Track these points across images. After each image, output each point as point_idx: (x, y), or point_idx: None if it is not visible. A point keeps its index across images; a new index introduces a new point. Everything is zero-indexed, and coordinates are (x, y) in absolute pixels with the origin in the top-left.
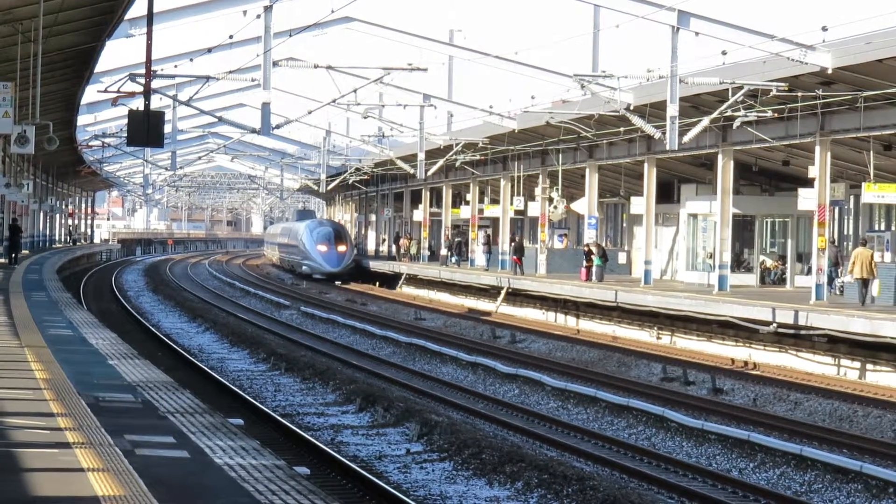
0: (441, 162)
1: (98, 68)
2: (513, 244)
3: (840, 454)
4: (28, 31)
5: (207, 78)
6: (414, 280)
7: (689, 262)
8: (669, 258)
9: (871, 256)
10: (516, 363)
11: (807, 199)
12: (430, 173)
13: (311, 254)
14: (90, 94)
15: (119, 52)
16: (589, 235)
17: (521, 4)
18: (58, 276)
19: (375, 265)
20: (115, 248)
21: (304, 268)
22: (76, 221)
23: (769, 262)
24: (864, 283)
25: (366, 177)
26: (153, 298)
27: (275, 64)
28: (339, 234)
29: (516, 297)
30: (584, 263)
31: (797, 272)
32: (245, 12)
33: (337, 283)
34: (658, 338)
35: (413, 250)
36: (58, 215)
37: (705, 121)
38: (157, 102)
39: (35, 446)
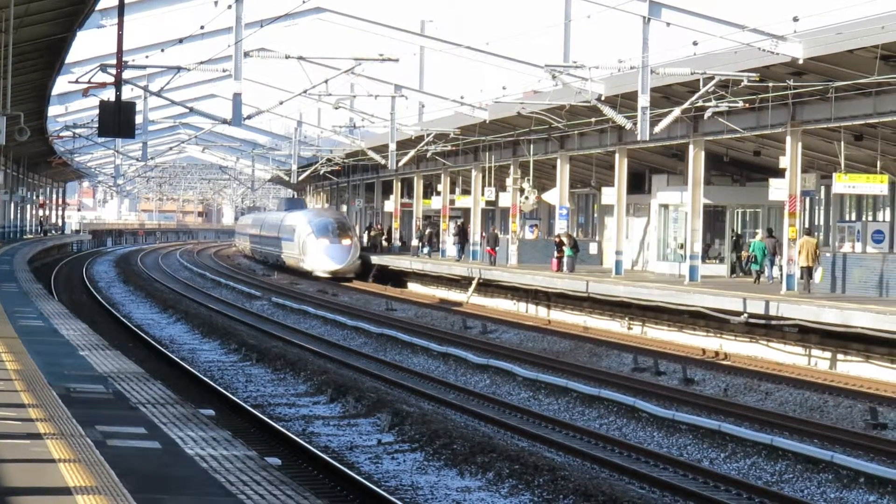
0: (412, 152)
1: (69, 59)
2: (485, 235)
3: (811, 444)
4: None
5: (178, 68)
6: (385, 272)
7: (660, 253)
8: (640, 249)
9: (816, 245)
10: (487, 353)
11: (778, 190)
12: (401, 164)
13: (310, 249)
14: (61, 84)
15: (90, 43)
16: (560, 226)
17: None
18: (29, 267)
19: None
20: (86, 238)
21: (302, 265)
22: (47, 212)
23: (741, 252)
24: (808, 271)
25: (337, 167)
26: (124, 289)
27: (246, 55)
28: (342, 225)
29: (487, 287)
30: (556, 254)
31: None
32: (216, 2)
33: (344, 282)
34: (629, 328)
35: (384, 241)
36: (28, 206)
37: (676, 111)
38: (128, 93)
39: (6, 437)
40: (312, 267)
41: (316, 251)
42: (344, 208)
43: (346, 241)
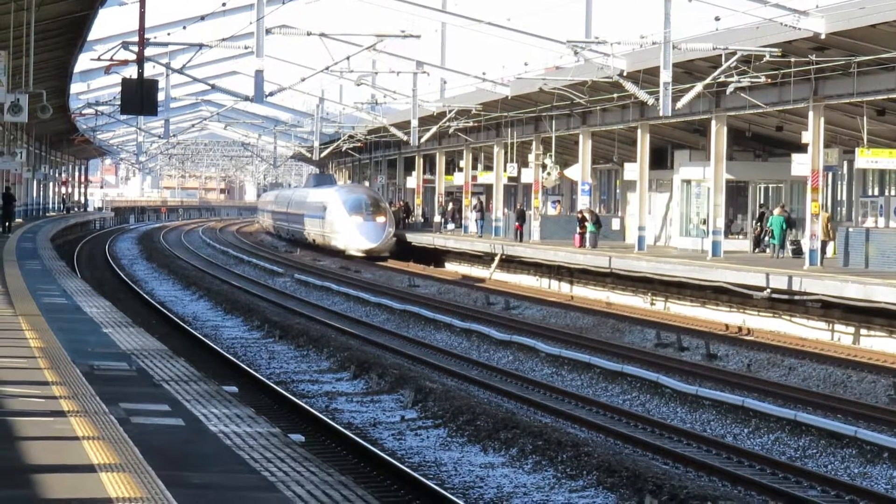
0: (434, 129)
1: (91, 36)
2: (507, 212)
3: (834, 419)
4: (21, 0)
5: (200, 46)
6: (407, 248)
7: (682, 228)
8: (663, 224)
9: (828, 220)
10: (510, 330)
11: (800, 165)
12: (423, 140)
13: (342, 227)
14: (83, 62)
15: (112, 20)
16: (582, 202)
17: None
18: (51, 245)
19: None
20: (109, 216)
21: (334, 243)
22: (69, 190)
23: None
24: (822, 245)
25: (359, 144)
26: (147, 266)
27: (268, 31)
28: (375, 202)
29: (510, 263)
30: (578, 230)
31: (791, 237)
32: None
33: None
34: (652, 304)
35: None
36: (51, 184)
37: (698, 87)
38: (150, 70)
39: (30, 415)
40: (345, 245)
41: (349, 229)
42: (366, 184)
43: (381, 219)
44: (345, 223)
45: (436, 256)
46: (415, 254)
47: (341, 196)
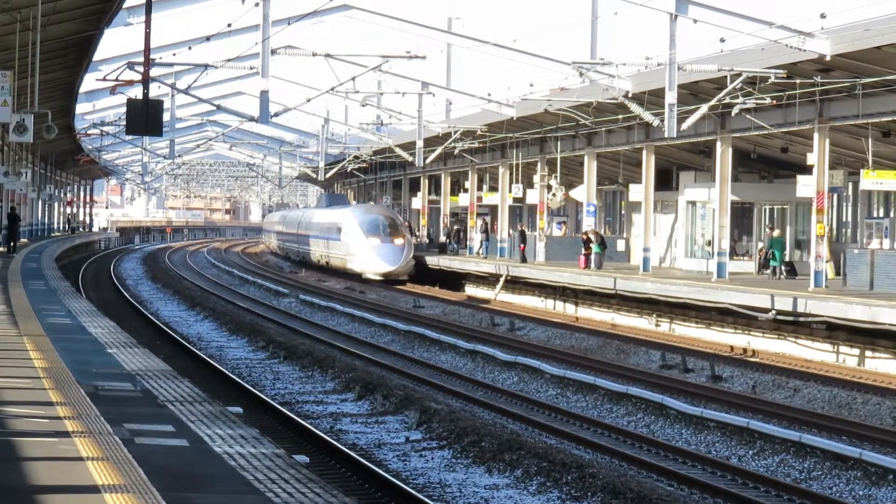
0: (439, 150)
1: (96, 57)
2: (511, 233)
3: (839, 441)
4: (26, 20)
5: (206, 66)
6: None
7: (687, 250)
8: (668, 245)
9: (828, 241)
10: (515, 351)
11: (805, 186)
12: (428, 161)
13: (359, 249)
14: (89, 82)
15: (117, 41)
16: (588, 223)
17: None
18: (56, 265)
19: None
20: (114, 236)
21: (350, 265)
22: (74, 210)
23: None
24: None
25: (364, 164)
26: (152, 287)
27: (273, 52)
28: (393, 222)
29: (515, 284)
30: (583, 251)
31: (796, 259)
32: (243, 0)
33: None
34: (657, 325)
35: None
36: (56, 204)
37: (704, 108)
38: (155, 91)
39: (34, 435)
40: (362, 268)
41: (366, 251)
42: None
43: (399, 241)
44: (361, 245)
45: (442, 277)
46: (420, 275)
47: (357, 217)
